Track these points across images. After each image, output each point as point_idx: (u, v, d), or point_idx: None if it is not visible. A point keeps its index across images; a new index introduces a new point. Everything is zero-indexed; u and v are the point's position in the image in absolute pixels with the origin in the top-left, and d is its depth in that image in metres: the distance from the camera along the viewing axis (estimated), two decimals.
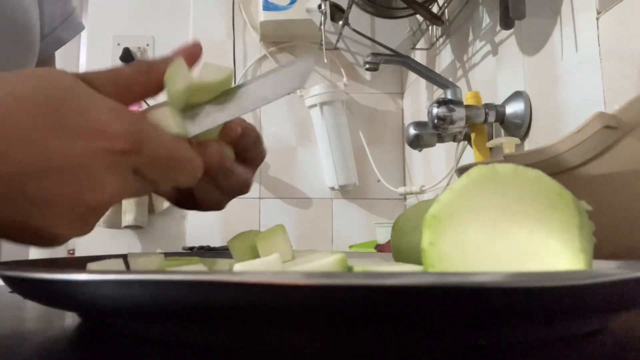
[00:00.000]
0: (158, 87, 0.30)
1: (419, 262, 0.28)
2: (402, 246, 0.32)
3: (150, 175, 0.27)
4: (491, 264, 0.23)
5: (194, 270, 0.24)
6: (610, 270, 0.19)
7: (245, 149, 0.34)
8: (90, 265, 0.29)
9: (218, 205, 0.36)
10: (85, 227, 0.26)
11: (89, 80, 0.28)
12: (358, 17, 1.08)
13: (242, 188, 0.34)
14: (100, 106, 0.26)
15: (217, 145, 0.31)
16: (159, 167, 0.27)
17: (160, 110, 0.29)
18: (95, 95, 0.26)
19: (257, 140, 0.35)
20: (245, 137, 0.33)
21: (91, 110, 0.25)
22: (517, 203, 0.24)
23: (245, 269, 0.24)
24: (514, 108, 0.81)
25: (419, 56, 1.27)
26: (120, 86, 0.29)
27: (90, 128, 0.25)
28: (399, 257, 0.33)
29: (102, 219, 1.46)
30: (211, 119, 0.30)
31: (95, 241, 1.42)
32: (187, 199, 0.36)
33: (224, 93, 0.31)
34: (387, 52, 1.07)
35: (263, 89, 0.31)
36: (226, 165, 0.32)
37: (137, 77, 0.30)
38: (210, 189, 0.33)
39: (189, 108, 0.30)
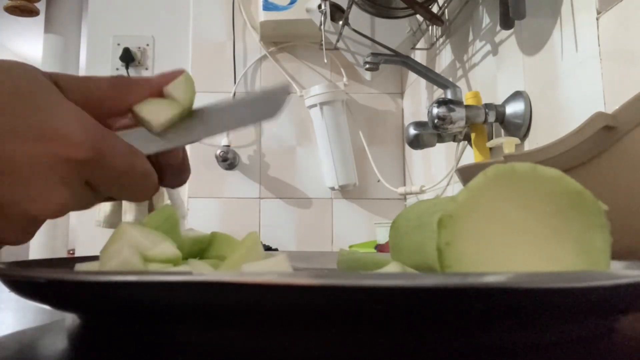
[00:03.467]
0: (128, 108, 0.29)
1: (420, 262, 0.28)
2: (402, 246, 0.32)
3: (103, 188, 0.26)
4: (509, 264, 0.22)
5: (193, 272, 0.24)
6: (627, 272, 0.19)
7: (174, 174, 0.32)
8: (78, 266, 0.29)
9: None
10: (23, 237, 0.24)
11: (59, 84, 0.26)
12: (358, 17, 1.08)
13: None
14: (65, 111, 0.24)
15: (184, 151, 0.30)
16: (115, 181, 0.26)
17: (159, 103, 0.28)
18: (62, 99, 0.25)
19: (186, 174, 0.33)
20: (184, 169, 0.32)
21: (56, 113, 0.24)
22: (536, 202, 0.23)
23: (252, 270, 0.24)
24: (514, 108, 0.81)
25: (419, 56, 1.27)
26: (89, 98, 0.27)
27: (52, 132, 0.23)
28: (399, 258, 0.33)
29: (102, 219, 1.46)
30: (187, 137, 0.29)
31: (95, 241, 1.42)
32: None
33: (198, 112, 0.30)
34: (387, 52, 1.07)
35: (238, 113, 0.30)
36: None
37: (110, 92, 0.28)
38: None
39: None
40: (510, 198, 0.23)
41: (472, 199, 0.23)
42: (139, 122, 0.29)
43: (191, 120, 0.30)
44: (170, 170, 0.31)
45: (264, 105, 0.30)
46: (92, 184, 0.26)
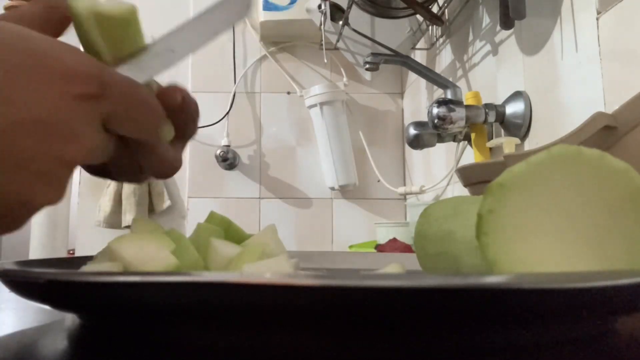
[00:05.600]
0: (65, 22, 0.28)
1: (443, 250, 0.28)
2: (428, 233, 0.31)
3: (117, 125, 0.25)
4: (548, 246, 0.22)
5: (194, 272, 0.24)
6: (627, 272, 0.19)
7: (183, 122, 0.30)
8: (85, 267, 0.29)
9: (136, 181, 0.32)
10: (59, 190, 0.24)
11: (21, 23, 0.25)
12: (358, 17, 1.08)
13: (170, 170, 0.30)
14: (60, 48, 0.24)
15: (180, 89, 0.28)
16: (128, 111, 0.25)
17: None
18: (49, 38, 0.24)
19: (196, 112, 0.30)
20: (186, 108, 0.29)
21: (55, 53, 0.23)
22: (594, 190, 0.22)
23: (252, 270, 0.24)
24: (514, 108, 0.81)
25: (419, 56, 1.27)
26: (41, 24, 0.27)
27: (61, 72, 0.23)
28: (421, 244, 0.32)
29: (102, 219, 1.46)
30: (165, 61, 0.27)
31: (95, 241, 1.42)
32: (100, 167, 0.31)
33: (165, 37, 0.28)
34: (387, 52, 1.07)
35: (203, 26, 0.28)
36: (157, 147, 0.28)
37: (49, 12, 0.28)
38: (129, 166, 0.30)
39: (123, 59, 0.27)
40: (568, 180, 0.22)
41: (528, 172, 0.22)
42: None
43: (159, 44, 0.28)
44: (175, 115, 0.29)
45: (231, 8, 0.29)
46: (107, 122, 0.25)
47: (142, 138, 0.27)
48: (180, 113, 0.29)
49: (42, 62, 0.23)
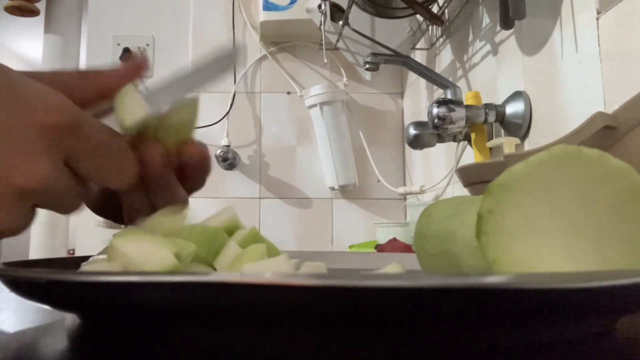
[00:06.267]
0: (97, 96, 0.29)
1: (443, 249, 0.28)
2: (428, 233, 0.31)
3: (83, 165, 0.25)
4: (548, 246, 0.22)
5: (194, 272, 0.24)
6: (626, 272, 0.19)
7: (192, 177, 0.32)
8: (84, 266, 0.29)
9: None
10: (15, 220, 0.23)
11: (29, 75, 0.26)
12: (358, 17, 1.08)
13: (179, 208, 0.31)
14: (37, 86, 0.24)
15: (161, 148, 0.29)
16: (93, 155, 0.25)
17: (128, 89, 0.29)
18: (31, 80, 0.25)
19: (207, 173, 0.33)
20: (203, 168, 0.32)
21: (28, 87, 0.24)
22: (595, 190, 0.22)
23: (252, 270, 0.24)
24: (514, 108, 0.81)
25: (419, 56, 1.27)
26: (60, 87, 0.27)
27: (27, 101, 0.23)
28: (421, 244, 0.32)
29: (102, 220, 1.46)
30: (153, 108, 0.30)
31: (95, 241, 1.42)
32: (111, 209, 0.33)
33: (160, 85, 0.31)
34: (387, 52, 1.07)
35: (195, 79, 0.32)
36: (164, 177, 0.30)
37: (78, 81, 0.28)
38: (139, 201, 0.31)
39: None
40: (569, 180, 0.22)
41: (528, 173, 0.22)
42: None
43: (154, 93, 0.31)
44: (192, 171, 0.32)
45: (217, 67, 0.33)
46: (70, 162, 0.25)
47: (107, 185, 0.27)
48: (194, 169, 0.32)
49: (11, 90, 0.23)
